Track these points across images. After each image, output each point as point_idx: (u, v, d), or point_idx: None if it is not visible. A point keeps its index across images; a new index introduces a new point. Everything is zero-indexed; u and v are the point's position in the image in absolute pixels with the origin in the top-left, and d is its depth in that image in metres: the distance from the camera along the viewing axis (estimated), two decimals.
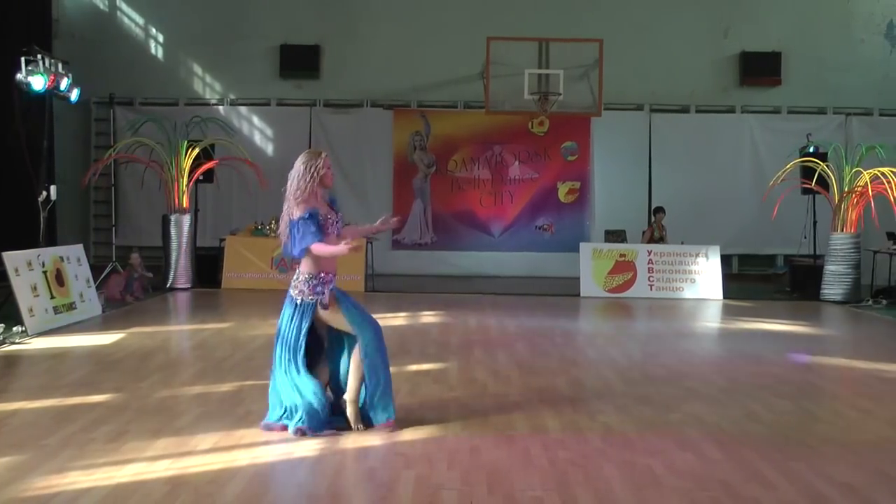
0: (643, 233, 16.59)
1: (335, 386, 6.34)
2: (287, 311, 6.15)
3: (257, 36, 18.49)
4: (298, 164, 6.14)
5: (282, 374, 6.13)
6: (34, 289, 10.27)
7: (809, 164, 15.05)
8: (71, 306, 10.97)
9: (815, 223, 15.82)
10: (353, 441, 5.93)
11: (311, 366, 6.20)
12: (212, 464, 5.40)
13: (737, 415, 6.89)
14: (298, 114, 18.60)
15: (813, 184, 14.81)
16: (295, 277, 6.17)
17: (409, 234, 18.52)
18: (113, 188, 18.39)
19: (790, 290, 16.01)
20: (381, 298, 13.96)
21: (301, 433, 5.99)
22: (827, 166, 14.89)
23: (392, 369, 6.33)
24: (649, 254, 15.30)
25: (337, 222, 6.20)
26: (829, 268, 14.78)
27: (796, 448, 6.00)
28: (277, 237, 6.44)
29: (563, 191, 18.54)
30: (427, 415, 6.60)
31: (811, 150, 15.54)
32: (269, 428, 6.14)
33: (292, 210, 6.07)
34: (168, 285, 14.69)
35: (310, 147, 17.93)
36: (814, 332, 12.00)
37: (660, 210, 16.19)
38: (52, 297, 10.61)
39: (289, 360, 6.10)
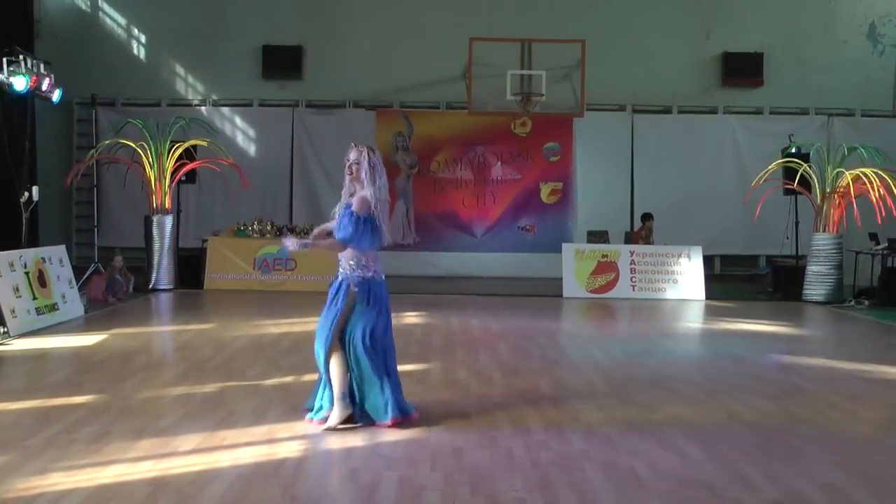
0: (626, 234, 16.61)
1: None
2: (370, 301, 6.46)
3: (240, 37, 18.45)
4: (377, 157, 6.43)
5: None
6: (16, 290, 10.21)
7: (792, 165, 15.10)
8: (53, 307, 10.91)
9: (797, 224, 15.86)
10: (336, 442, 5.93)
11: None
12: (194, 465, 5.39)
13: (719, 415, 6.92)
14: (281, 114, 18.54)
15: (795, 185, 14.86)
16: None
17: (392, 234, 18.36)
18: (95, 189, 18.30)
19: (772, 290, 16.09)
20: None
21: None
22: (809, 167, 14.95)
23: None
24: (631, 254, 15.29)
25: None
26: (812, 268, 14.85)
27: (778, 448, 6.04)
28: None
29: (545, 191, 18.54)
30: None
31: (793, 150, 15.58)
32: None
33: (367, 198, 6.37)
34: (150, 286, 14.62)
35: (292, 148, 18.02)
36: (796, 332, 12.07)
37: (649, 217, 16.11)
38: (35, 299, 10.55)
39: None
